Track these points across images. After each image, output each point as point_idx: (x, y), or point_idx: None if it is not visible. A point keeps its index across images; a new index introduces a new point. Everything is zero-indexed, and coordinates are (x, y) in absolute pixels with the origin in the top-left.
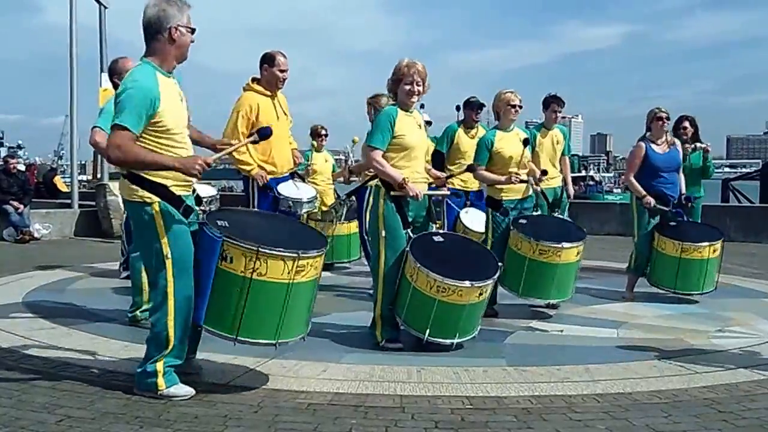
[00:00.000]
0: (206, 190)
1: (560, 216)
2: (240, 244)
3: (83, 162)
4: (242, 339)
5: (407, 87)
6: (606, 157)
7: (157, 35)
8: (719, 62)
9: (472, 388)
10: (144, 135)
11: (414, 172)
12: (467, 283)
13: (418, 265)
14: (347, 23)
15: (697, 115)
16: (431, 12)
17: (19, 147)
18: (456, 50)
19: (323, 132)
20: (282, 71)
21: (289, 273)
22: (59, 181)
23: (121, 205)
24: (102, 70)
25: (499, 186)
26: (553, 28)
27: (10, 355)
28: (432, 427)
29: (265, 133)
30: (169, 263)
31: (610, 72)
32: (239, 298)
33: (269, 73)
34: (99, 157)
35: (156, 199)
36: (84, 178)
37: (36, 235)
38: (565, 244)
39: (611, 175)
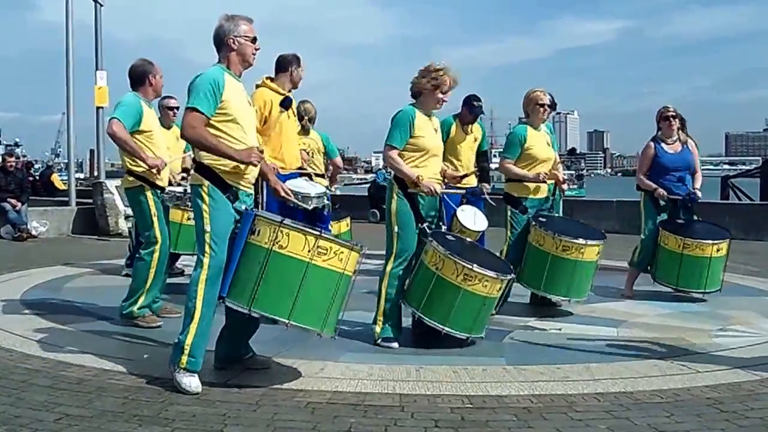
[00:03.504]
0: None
1: (554, 214)
2: (266, 216)
3: (80, 160)
4: (256, 311)
5: (441, 96)
6: (603, 155)
7: (221, 45)
8: (715, 57)
9: (472, 386)
10: (213, 122)
11: (430, 175)
12: (493, 273)
13: (447, 252)
14: (338, 16)
15: (694, 111)
16: (424, 6)
17: (17, 144)
18: (449, 45)
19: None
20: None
21: (309, 251)
22: (56, 179)
23: (119, 203)
24: (98, 68)
25: (525, 183)
26: (546, 24)
27: (8, 354)
28: (432, 426)
29: (287, 103)
30: (207, 236)
31: (605, 68)
32: (259, 270)
33: (296, 74)
34: (96, 154)
35: (206, 182)
36: (81, 175)
37: (33, 232)
38: (589, 241)
39: (572, 172)
